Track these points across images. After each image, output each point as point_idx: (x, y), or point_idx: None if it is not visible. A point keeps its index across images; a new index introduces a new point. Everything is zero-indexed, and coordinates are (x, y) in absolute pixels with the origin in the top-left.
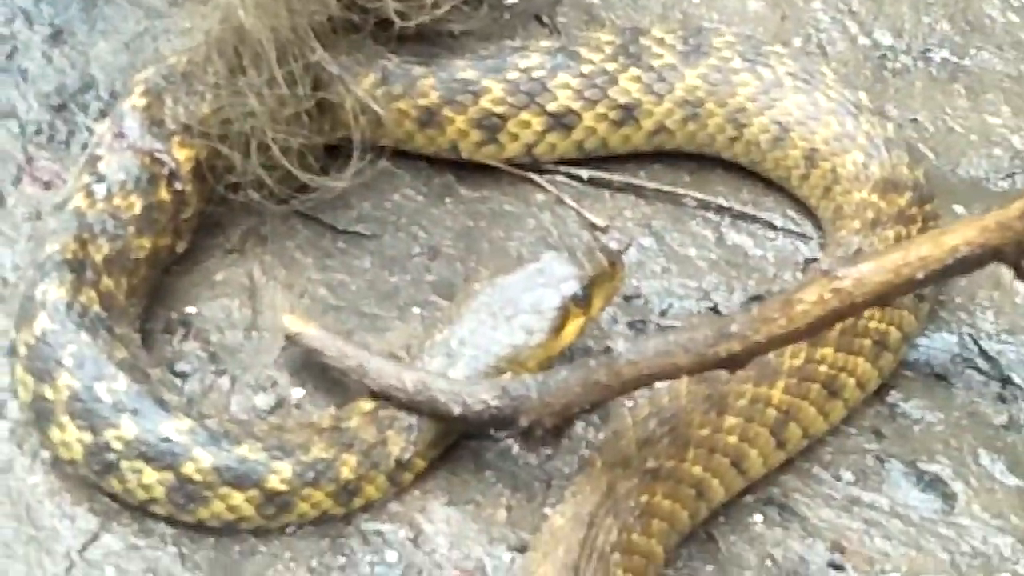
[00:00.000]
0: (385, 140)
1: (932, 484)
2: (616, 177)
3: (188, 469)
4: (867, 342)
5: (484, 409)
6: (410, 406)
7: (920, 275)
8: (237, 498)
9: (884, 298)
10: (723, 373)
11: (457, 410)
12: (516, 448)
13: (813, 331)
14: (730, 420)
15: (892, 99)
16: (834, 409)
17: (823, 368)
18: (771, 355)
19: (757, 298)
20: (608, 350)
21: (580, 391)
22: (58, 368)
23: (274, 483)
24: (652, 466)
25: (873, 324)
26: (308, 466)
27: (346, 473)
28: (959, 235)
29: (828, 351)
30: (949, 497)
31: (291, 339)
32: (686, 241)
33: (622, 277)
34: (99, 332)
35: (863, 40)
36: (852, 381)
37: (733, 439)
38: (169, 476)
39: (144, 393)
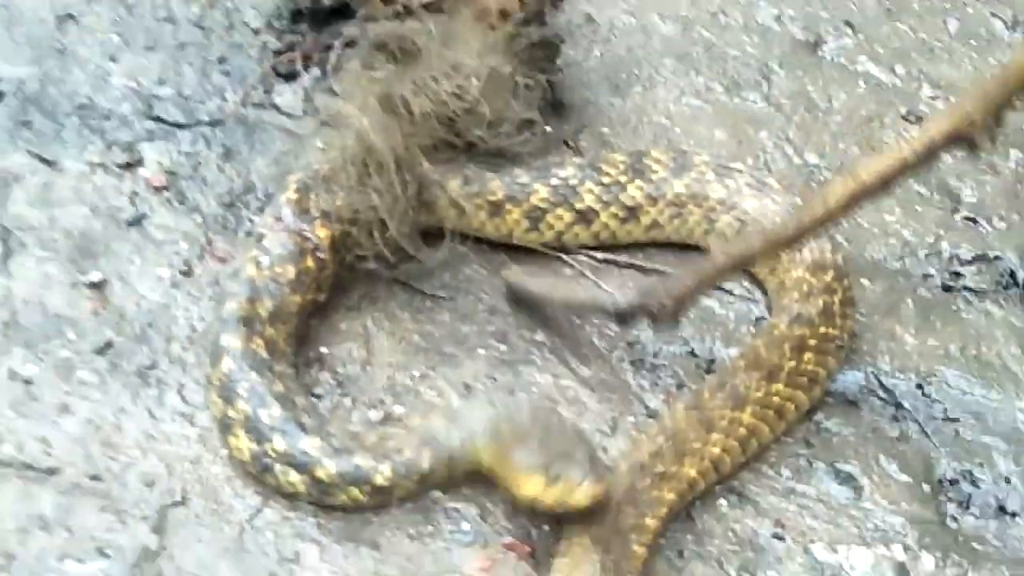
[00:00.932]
0: (464, 228)
1: (846, 479)
2: (622, 258)
3: (320, 473)
4: (804, 379)
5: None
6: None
7: (911, 157)
8: (355, 492)
9: (888, 181)
10: (710, 402)
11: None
12: None
13: (839, 213)
14: (714, 436)
15: None
16: (780, 426)
17: (775, 399)
18: (742, 388)
19: None
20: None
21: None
22: (237, 397)
23: (379, 480)
24: (660, 470)
25: (809, 367)
26: (401, 464)
27: (426, 465)
28: (934, 126)
29: (779, 386)
30: (858, 489)
31: (508, 283)
32: None
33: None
34: (264, 371)
35: (797, 160)
36: (793, 407)
37: (716, 449)
38: (307, 478)
39: (290, 419)
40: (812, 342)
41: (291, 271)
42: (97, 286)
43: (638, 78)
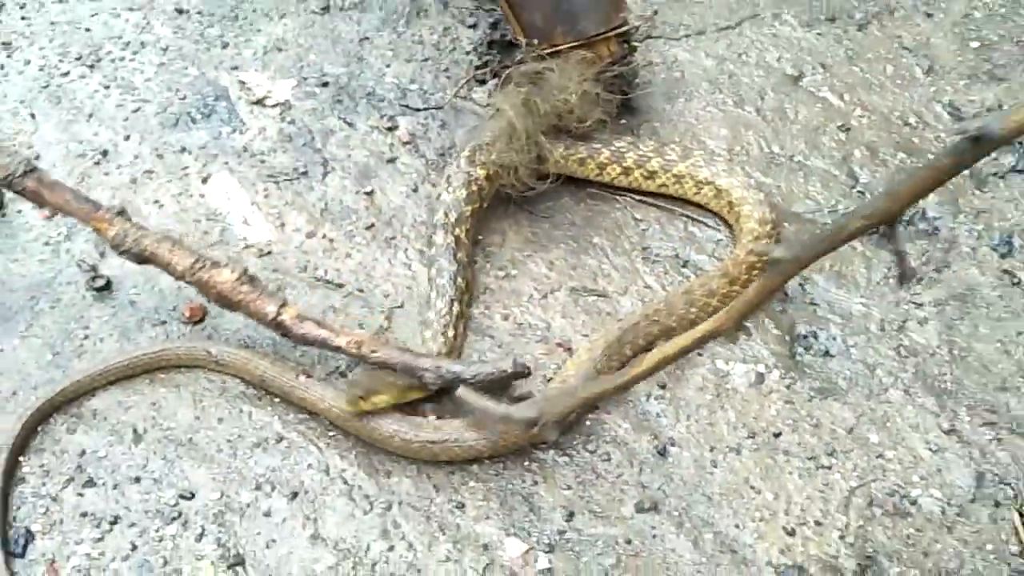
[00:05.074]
0: (563, 172)
1: (744, 330)
2: (648, 200)
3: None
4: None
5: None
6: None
7: (689, 346)
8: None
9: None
10: (695, 291)
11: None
12: None
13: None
14: (692, 309)
15: (773, 177)
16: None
17: (733, 294)
18: (715, 286)
19: None
20: None
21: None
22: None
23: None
24: (656, 319)
25: (755, 278)
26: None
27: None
28: (704, 327)
29: (737, 287)
30: (749, 334)
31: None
32: (671, 229)
33: None
34: (459, 257)
35: (766, 150)
36: None
37: (691, 316)
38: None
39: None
40: (759, 265)
41: (463, 193)
42: (369, 193)
43: (683, 94)
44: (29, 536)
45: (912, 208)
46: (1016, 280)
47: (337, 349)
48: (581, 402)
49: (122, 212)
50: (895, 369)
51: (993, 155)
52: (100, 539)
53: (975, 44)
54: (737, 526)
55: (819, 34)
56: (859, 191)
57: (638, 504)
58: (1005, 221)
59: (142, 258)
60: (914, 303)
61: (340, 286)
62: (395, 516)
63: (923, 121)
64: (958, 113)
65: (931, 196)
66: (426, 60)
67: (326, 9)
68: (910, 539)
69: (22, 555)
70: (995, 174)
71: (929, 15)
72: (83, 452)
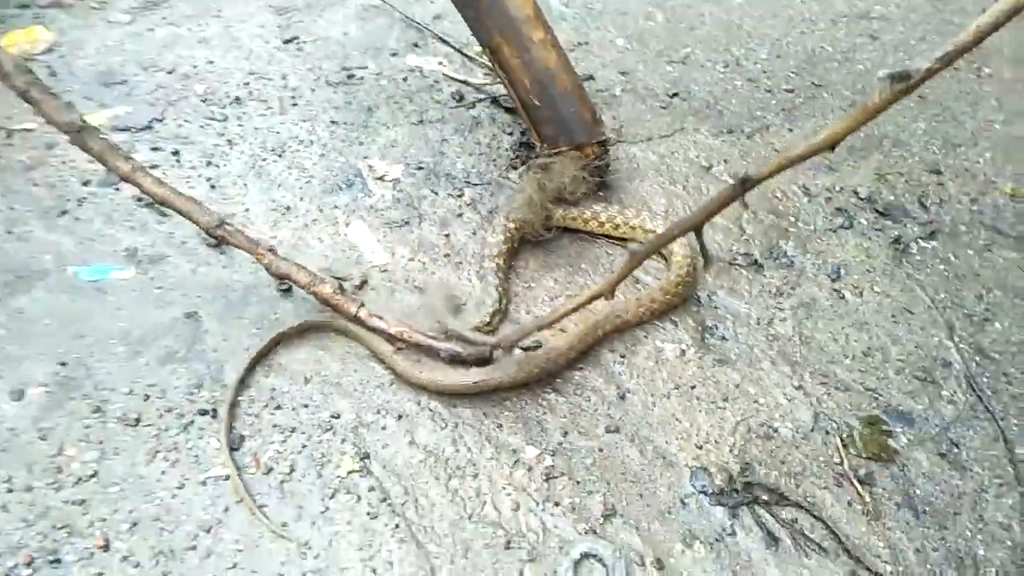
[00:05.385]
0: (564, 225)
1: (676, 325)
2: (616, 242)
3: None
4: (680, 295)
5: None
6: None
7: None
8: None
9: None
10: (645, 298)
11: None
12: None
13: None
14: (640, 308)
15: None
16: (666, 311)
17: (666, 300)
18: (656, 295)
19: None
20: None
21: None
22: (487, 276)
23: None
24: (619, 314)
25: (681, 291)
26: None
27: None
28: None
29: (668, 297)
30: (653, 330)
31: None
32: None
33: None
34: (499, 275)
35: (686, 212)
36: (674, 304)
37: (640, 311)
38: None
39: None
40: (684, 282)
41: (501, 238)
42: (447, 235)
43: (638, 177)
44: (242, 439)
45: (774, 247)
46: (842, 296)
47: (389, 335)
48: (522, 334)
49: (272, 249)
50: (765, 348)
51: (829, 217)
52: (284, 441)
53: None
54: (667, 443)
55: (723, 141)
56: (746, 238)
57: (607, 428)
58: (835, 259)
59: (282, 276)
60: (778, 308)
61: (421, 290)
62: (460, 431)
63: (786, 195)
64: (808, 192)
65: (789, 241)
66: (481, 154)
67: (421, 122)
68: (773, 453)
69: (238, 449)
70: (830, 229)
71: (791, 129)
72: (273, 388)
